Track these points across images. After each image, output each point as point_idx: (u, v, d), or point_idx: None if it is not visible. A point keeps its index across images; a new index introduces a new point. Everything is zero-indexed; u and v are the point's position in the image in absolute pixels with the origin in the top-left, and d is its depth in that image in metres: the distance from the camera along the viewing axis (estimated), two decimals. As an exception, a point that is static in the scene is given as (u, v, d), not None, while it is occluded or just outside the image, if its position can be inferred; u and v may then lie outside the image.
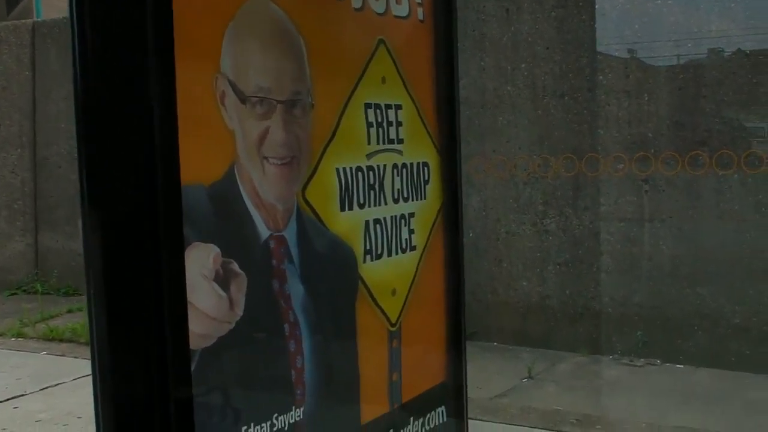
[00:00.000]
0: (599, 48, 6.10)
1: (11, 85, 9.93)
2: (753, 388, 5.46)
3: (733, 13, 5.79)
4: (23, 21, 11.02)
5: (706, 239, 5.89)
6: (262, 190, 2.14)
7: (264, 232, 2.15)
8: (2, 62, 9.92)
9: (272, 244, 2.19)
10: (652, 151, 5.93)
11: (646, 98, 5.95)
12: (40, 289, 9.53)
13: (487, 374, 5.66)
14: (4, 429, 5.19)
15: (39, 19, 12.35)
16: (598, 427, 4.90)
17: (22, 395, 5.84)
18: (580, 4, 6.12)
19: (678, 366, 5.93)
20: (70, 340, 7.38)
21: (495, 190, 6.51)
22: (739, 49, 5.86)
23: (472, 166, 6.44)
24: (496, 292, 6.59)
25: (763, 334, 5.68)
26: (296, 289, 2.25)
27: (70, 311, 8.55)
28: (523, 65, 6.36)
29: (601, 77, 6.07)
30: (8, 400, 5.75)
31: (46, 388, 5.99)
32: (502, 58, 6.45)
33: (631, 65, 6.10)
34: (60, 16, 10.17)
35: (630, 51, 6.13)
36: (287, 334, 2.24)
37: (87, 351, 6.62)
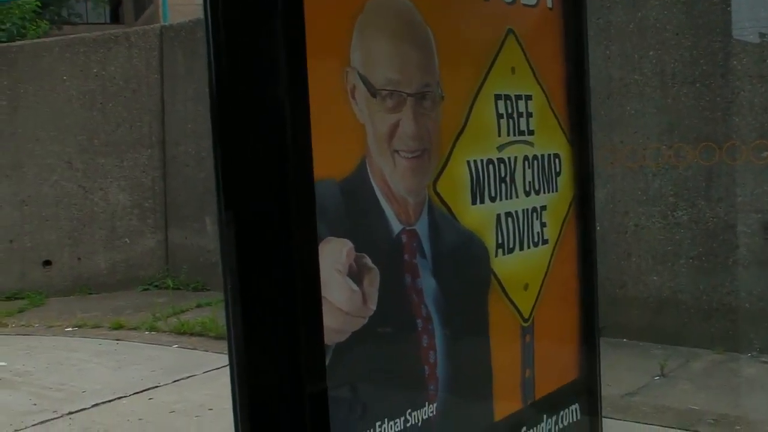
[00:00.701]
0: (733, 31, 5.84)
1: (141, 87, 10.28)
2: None
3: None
4: (151, 26, 11.39)
5: None
6: (394, 184, 2.12)
7: (396, 226, 2.14)
8: (132, 66, 10.27)
9: (404, 239, 2.17)
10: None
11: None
12: (170, 285, 9.84)
13: (617, 371, 5.50)
14: (140, 419, 5.36)
15: (166, 24, 12.73)
16: (737, 427, 4.70)
17: (156, 387, 6.02)
18: (712, -15, 5.88)
19: (821, 363, 5.65)
20: (200, 334, 7.58)
21: (623, 182, 6.33)
22: None
23: (599, 158, 6.25)
24: (626, 287, 6.41)
25: None
26: (428, 284, 2.23)
27: (199, 306, 8.79)
28: (651, 52, 6.16)
29: (735, 62, 5.81)
30: (144, 391, 5.94)
31: (179, 380, 6.17)
32: (628, 45, 6.26)
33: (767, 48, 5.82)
34: (186, 20, 10.46)
35: (765, 34, 5.85)
36: (420, 329, 2.22)
37: (216, 344, 6.83)
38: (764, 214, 5.77)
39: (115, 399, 5.79)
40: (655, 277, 6.28)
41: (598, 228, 6.24)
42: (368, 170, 2.06)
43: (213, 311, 8.10)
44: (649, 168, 6.20)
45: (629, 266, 6.38)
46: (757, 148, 5.73)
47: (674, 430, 4.68)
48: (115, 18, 39.41)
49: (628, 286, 6.40)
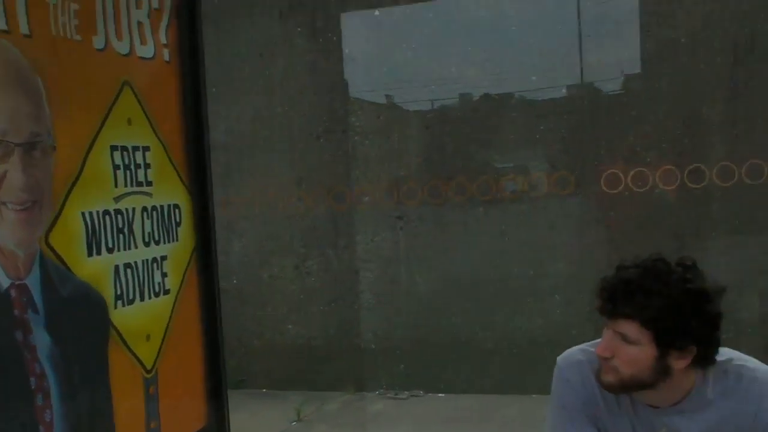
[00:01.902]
0: (351, 90, 6.29)
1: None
2: (506, 407, 5.76)
3: (472, 57, 6.16)
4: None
5: (458, 269, 6.18)
6: (2, 237, 2.04)
7: (4, 281, 2.05)
8: None
9: (13, 293, 2.08)
10: (404, 187, 6.17)
11: (397, 138, 6.19)
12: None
13: (256, 420, 5.60)
14: None
15: None
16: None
17: None
18: (330, 48, 6.30)
19: (440, 395, 6.15)
20: None
21: (257, 233, 6.52)
22: (481, 91, 6.25)
23: (233, 210, 6.42)
24: (264, 337, 6.57)
25: (513, 356, 6.01)
26: (42, 340, 2.15)
27: None
28: (279, 109, 6.44)
29: (354, 119, 6.26)
30: None
31: None
32: (258, 101, 6.50)
33: (381, 106, 6.33)
34: None
35: (379, 93, 6.37)
36: (34, 387, 2.13)
37: None
38: (384, 260, 6.23)
39: None
40: (290, 326, 6.51)
41: (234, 281, 6.39)
42: (-28, 223, 1.96)
43: None
44: (281, 219, 6.44)
45: (266, 316, 6.56)
46: (370, 197, 6.19)
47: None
48: None
49: (266, 336, 6.57)
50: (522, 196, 6.04)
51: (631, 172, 5.76)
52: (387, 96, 6.38)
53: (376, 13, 6.34)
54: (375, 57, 6.36)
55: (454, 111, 6.28)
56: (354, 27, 6.35)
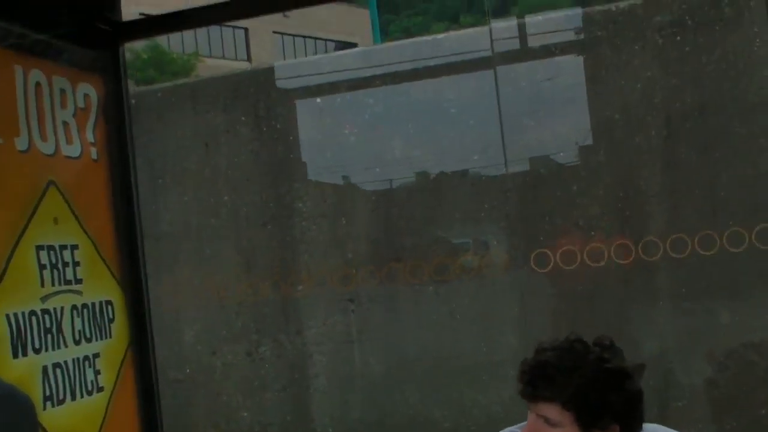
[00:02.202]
0: (296, 176, 6.36)
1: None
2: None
3: (415, 139, 6.28)
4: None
5: (411, 348, 6.19)
6: None
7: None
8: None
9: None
10: (354, 270, 6.20)
11: (345, 220, 6.25)
12: None
13: None
14: None
15: None
16: None
17: None
18: (275, 136, 6.39)
19: (400, 477, 6.10)
20: None
21: (209, 321, 6.49)
22: (425, 171, 6.35)
23: (183, 299, 6.40)
24: (219, 427, 6.49)
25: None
26: (-35, 445, 2.13)
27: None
28: (225, 197, 6.48)
29: (300, 204, 6.31)
30: None
31: None
32: (204, 190, 6.54)
33: (327, 190, 6.40)
34: None
35: (325, 177, 6.45)
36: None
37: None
38: (337, 343, 6.22)
39: None
40: (245, 413, 6.44)
41: (187, 370, 6.33)
42: None
43: None
44: (232, 306, 6.43)
45: (220, 405, 6.48)
46: (320, 281, 6.22)
47: None
48: None
49: (221, 426, 6.48)
50: (470, 273, 6.10)
51: (561, 249, 5.84)
52: (333, 180, 6.46)
53: (318, 100, 6.46)
54: (319, 142, 6.46)
55: (399, 192, 6.37)
56: (297, 114, 6.45)
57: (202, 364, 6.48)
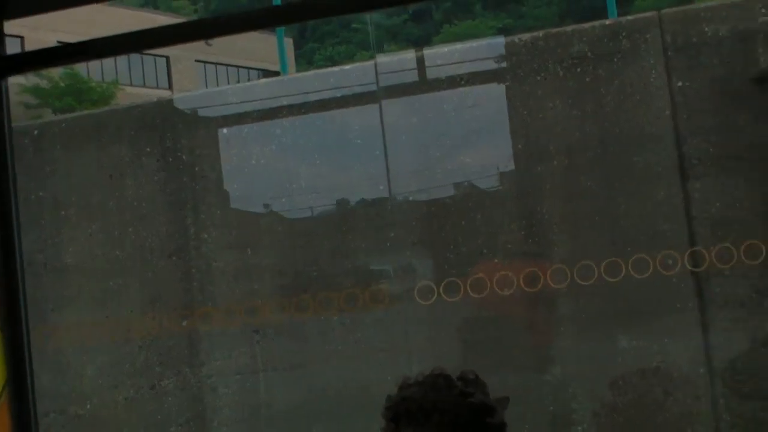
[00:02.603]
0: (203, 207, 6.32)
1: None
2: None
3: (319, 169, 6.30)
4: None
5: (318, 379, 6.17)
6: None
7: None
8: None
9: None
10: (260, 301, 6.17)
11: (251, 251, 6.22)
12: None
13: None
14: None
15: None
16: None
17: None
18: (180, 167, 6.34)
19: None
20: None
21: (112, 355, 6.37)
22: (331, 203, 6.37)
23: (86, 333, 6.29)
24: (124, 463, 6.37)
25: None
26: None
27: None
28: (130, 228, 6.40)
29: (206, 235, 6.26)
30: None
31: None
32: (109, 222, 6.45)
33: (234, 221, 6.37)
34: None
35: (231, 208, 6.41)
36: None
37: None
38: (242, 375, 6.17)
39: None
40: (152, 449, 6.33)
41: (88, 405, 6.20)
42: None
43: None
44: (136, 340, 6.33)
45: (124, 441, 6.37)
46: (227, 313, 6.17)
47: None
48: None
49: (126, 462, 6.37)
50: (379, 303, 6.11)
51: (471, 278, 5.90)
52: (239, 211, 6.43)
53: (225, 131, 6.44)
54: (226, 173, 6.42)
55: (306, 222, 6.37)
56: (203, 145, 6.42)
57: (104, 399, 6.35)
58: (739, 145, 5.71)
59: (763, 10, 5.65)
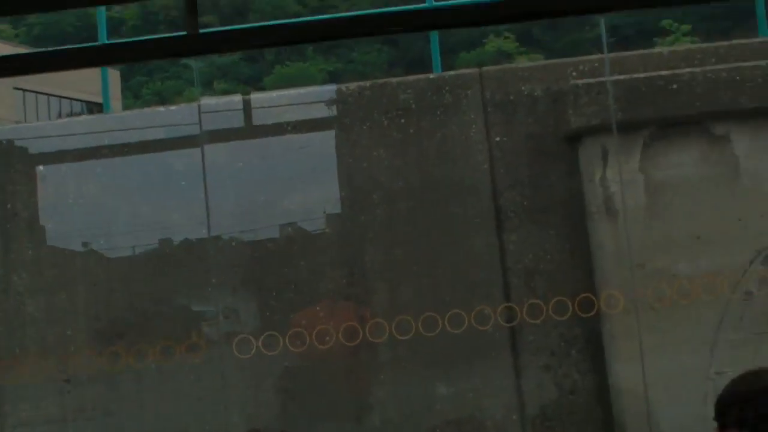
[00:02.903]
0: (13, 248, 6.03)
1: None
2: None
3: (138, 210, 6.16)
4: None
5: (131, 429, 5.98)
6: None
7: None
8: None
9: None
10: (72, 348, 5.92)
11: (64, 296, 5.97)
12: None
13: None
14: None
15: None
16: None
17: None
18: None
19: None
20: None
21: None
22: (151, 245, 6.22)
23: None
24: None
25: None
26: None
27: None
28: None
29: (16, 277, 5.97)
30: None
31: None
32: None
33: (46, 263, 6.10)
34: None
35: (45, 249, 6.13)
36: None
37: None
38: (50, 426, 5.90)
39: None
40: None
41: None
42: None
43: None
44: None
45: None
46: (39, 360, 5.91)
47: None
48: None
49: None
50: (196, 351, 5.99)
51: (290, 332, 5.87)
52: (54, 252, 6.17)
53: (41, 168, 6.18)
54: (41, 212, 6.15)
55: (125, 264, 6.19)
56: (17, 182, 6.13)
57: None
58: (551, 200, 5.98)
59: (574, 74, 5.97)
